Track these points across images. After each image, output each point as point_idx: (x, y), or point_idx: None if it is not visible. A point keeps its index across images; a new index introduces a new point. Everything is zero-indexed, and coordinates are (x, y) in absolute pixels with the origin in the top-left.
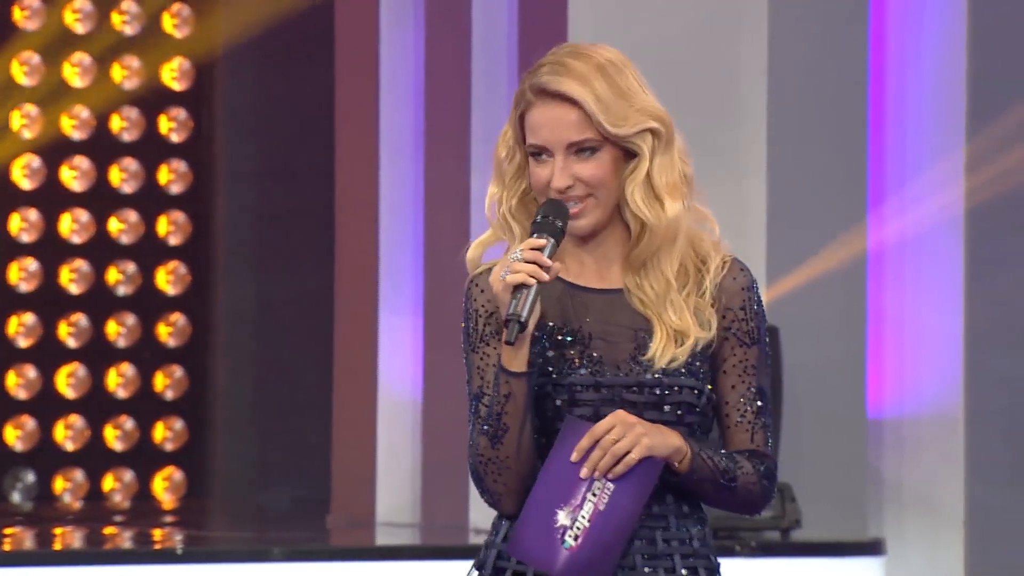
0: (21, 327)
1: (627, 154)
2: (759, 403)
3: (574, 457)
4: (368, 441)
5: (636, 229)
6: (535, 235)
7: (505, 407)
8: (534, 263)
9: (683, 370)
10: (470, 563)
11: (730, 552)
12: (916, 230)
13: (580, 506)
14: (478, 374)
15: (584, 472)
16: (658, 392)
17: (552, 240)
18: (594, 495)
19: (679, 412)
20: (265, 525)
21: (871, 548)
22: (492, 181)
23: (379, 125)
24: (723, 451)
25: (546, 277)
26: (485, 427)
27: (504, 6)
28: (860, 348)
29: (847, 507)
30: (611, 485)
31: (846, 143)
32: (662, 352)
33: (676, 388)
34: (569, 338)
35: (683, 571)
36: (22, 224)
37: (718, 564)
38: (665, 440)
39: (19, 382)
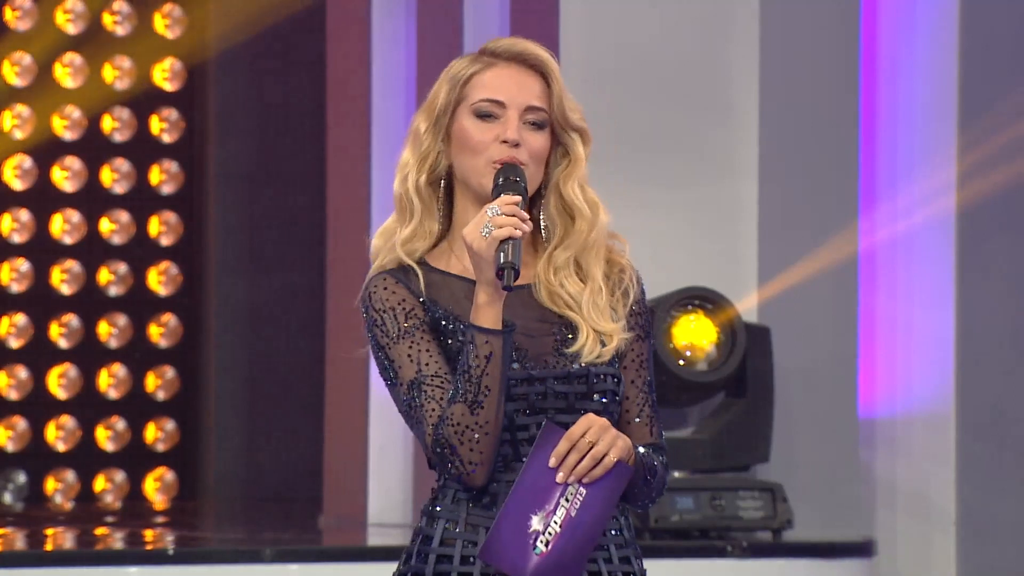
0: (12, 328)
1: (554, 149)
2: (653, 397)
3: (552, 462)
4: (360, 441)
5: (562, 227)
6: (504, 194)
7: (487, 368)
8: (514, 216)
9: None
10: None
11: (721, 553)
12: (907, 230)
13: (553, 511)
14: (411, 361)
15: (560, 477)
16: (586, 381)
17: (521, 197)
18: (567, 500)
19: (604, 400)
20: (256, 525)
21: (862, 548)
22: (407, 149)
23: (371, 124)
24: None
25: (528, 228)
26: (461, 395)
27: (496, 6)
28: (851, 348)
29: (838, 507)
30: (584, 491)
31: (838, 143)
32: (589, 349)
33: (602, 376)
34: None
35: (617, 560)
36: (13, 224)
37: (640, 551)
38: (626, 442)
39: (10, 383)
